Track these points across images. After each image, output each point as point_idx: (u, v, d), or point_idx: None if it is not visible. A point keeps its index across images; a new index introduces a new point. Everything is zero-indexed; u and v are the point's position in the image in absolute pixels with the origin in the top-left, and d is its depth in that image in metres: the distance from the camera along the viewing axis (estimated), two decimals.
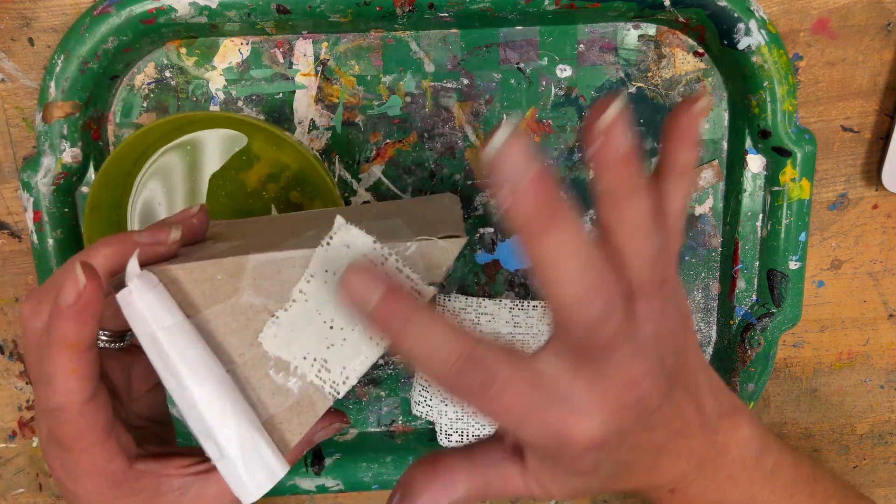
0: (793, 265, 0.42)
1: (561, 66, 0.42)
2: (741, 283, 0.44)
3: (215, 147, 0.41)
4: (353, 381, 0.28)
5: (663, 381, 0.27)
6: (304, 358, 0.28)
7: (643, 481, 0.30)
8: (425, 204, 0.35)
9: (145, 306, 0.26)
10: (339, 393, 0.29)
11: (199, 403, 0.27)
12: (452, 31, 0.42)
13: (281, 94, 0.42)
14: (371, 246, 0.27)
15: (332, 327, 0.28)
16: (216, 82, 0.41)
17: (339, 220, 0.27)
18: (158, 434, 0.32)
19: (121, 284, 0.27)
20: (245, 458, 0.27)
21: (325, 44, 0.41)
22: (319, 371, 0.28)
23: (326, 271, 0.27)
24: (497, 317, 0.44)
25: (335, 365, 0.28)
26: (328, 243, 0.27)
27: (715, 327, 0.46)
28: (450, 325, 0.25)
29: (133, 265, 0.27)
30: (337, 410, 0.35)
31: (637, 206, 0.25)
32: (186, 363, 0.27)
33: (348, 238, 0.27)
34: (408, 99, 0.42)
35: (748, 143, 0.42)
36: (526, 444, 0.28)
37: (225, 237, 0.32)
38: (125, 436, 0.30)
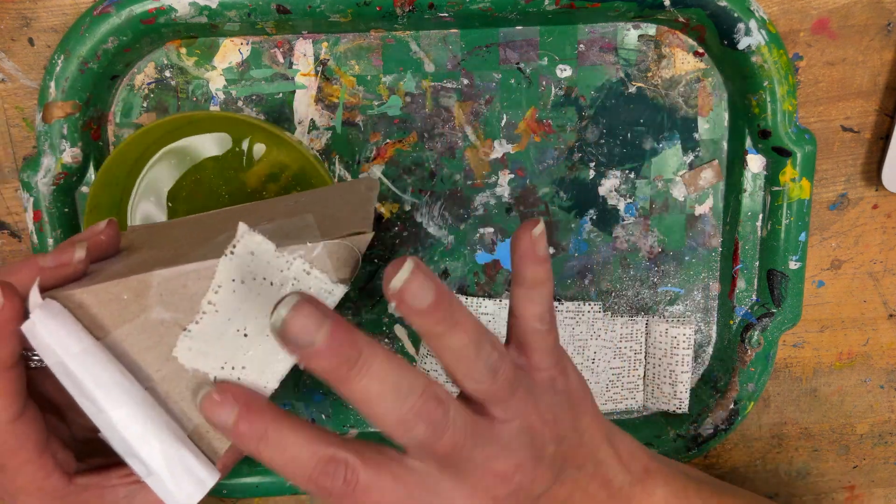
0: (793, 265, 0.42)
1: (561, 66, 0.42)
2: (741, 283, 0.44)
3: (215, 147, 0.41)
4: (273, 384, 0.28)
5: (545, 470, 0.29)
6: (223, 368, 0.28)
7: None
8: (340, 193, 0.34)
9: (49, 335, 0.26)
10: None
11: (118, 425, 0.27)
12: (452, 31, 0.42)
13: (281, 94, 0.42)
14: (273, 253, 0.27)
15: (246, 335, 0.28)
16: (216, 82, 0.41)
17: (241, 227, 0.27)
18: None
19: (27, 314, 0.26)
20: (172, 472, 0.27)
21: (325, 44, 0.41)
22: (239, 378, 0.28)
23: (234, 280, 0.27)
24: (497, 317, 0.44)
25: (254, 371, 0.28)
26: (232, 252, 0.27)
27: (715, 327, 0.46)
28: (309, 429, 0.26)
29: (34, 295, 0.26)
30: None
31: (451, 341, 0.26)
32: (100, 387, 0.26)
33: (252, 245, 0.27)
34: (408, 99, 0.42)
35: (748, 143, 0.42)
36: None
37: (138, 246, 0.32)
38: (62, 452, 0.30)
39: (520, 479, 0.28)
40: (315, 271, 0.28)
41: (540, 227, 0.28)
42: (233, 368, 0.28)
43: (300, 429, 0.26)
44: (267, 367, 0.28)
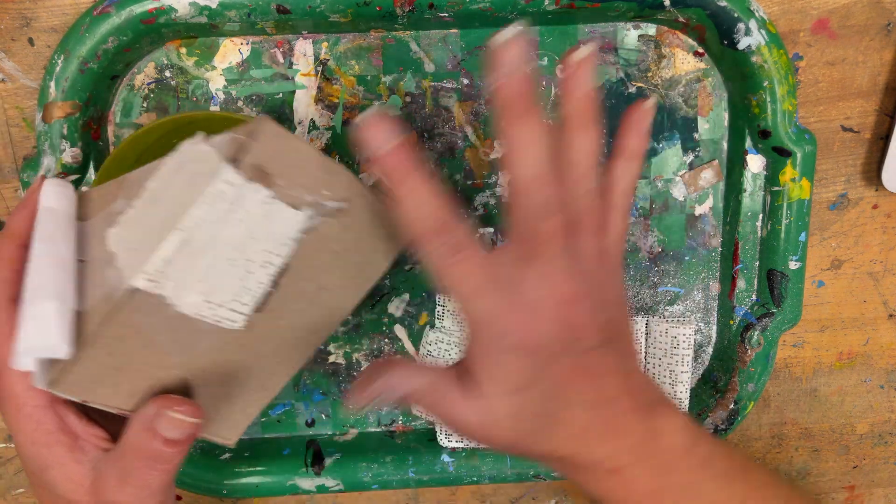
0: (793, 265, 0.42)
1: (561, 66, 0.42)
2: (741, 283, 0.44)
3: None
4: (155, 265, 0.27)
5: (597, 326, 0.29)
6: (128, 250, 0.28)
7: (579, 445, 0.31)
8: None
9: (44, 191, 0.31)
10: (141, 280, 0.27)
11: (31, 271, 0.29)
12: (452, 31, 0.42)
13: (281, 94, 0.42)
14: (209, 152, 0.28)
15: (165, 220, 0.27)
16: (216, 82, 0.41)
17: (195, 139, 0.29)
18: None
19: None
20: (26, 324, 0.28)
21: (325, 44, 0.41)
22: (132, 260, 0.28)
23: (171, 169, 0.29)
24: None
25: (141, 252, 0.27)
26: (176, 149, 0.29)
27: (715, 327, 0.46)
28: (440, 191, 0.29)
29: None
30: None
31: (587, 137, 0.29)
32: (41, 239, 0.29)
33: (194, 144, 0.29)
34: (408, 99, 0.42)
35: (748, 143, 0.42)
36: (470, 322, 0.30)
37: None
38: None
39: (580, 312, 0.29)
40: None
41: (651, 102, 0.31)
42: (134, 251, 0.28)
43: (433, 182, 0.29)
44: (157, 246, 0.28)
